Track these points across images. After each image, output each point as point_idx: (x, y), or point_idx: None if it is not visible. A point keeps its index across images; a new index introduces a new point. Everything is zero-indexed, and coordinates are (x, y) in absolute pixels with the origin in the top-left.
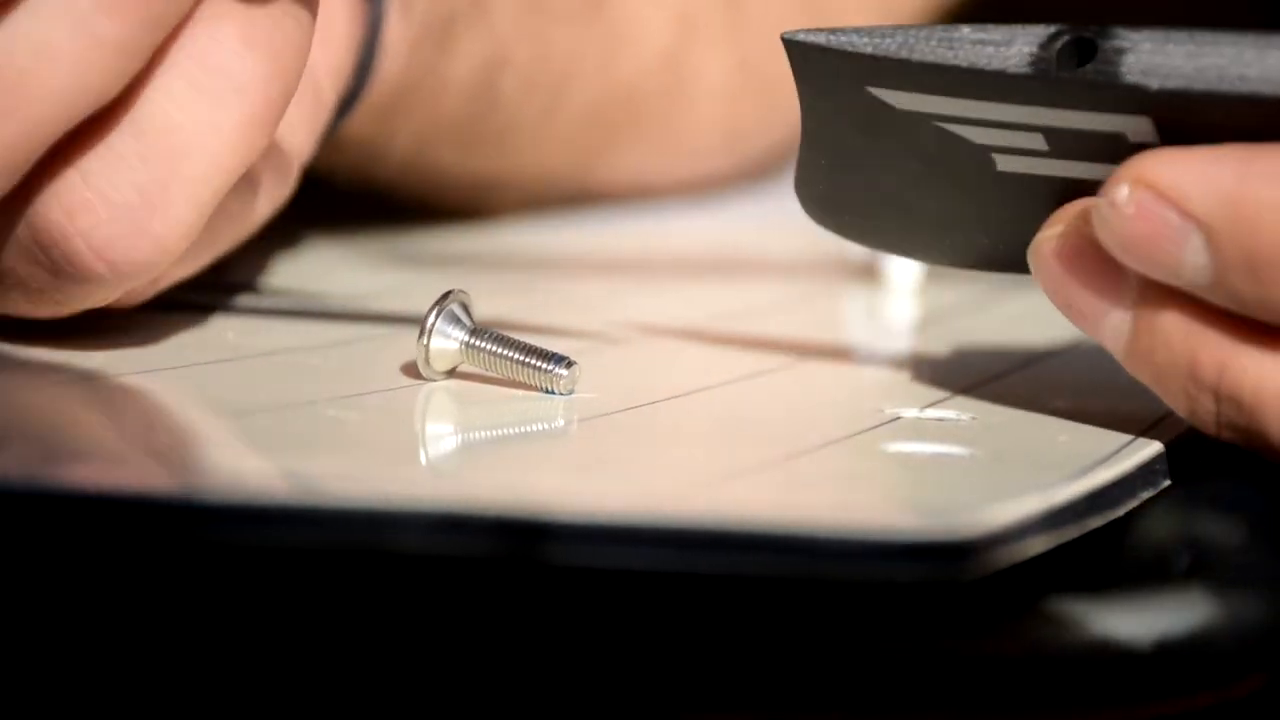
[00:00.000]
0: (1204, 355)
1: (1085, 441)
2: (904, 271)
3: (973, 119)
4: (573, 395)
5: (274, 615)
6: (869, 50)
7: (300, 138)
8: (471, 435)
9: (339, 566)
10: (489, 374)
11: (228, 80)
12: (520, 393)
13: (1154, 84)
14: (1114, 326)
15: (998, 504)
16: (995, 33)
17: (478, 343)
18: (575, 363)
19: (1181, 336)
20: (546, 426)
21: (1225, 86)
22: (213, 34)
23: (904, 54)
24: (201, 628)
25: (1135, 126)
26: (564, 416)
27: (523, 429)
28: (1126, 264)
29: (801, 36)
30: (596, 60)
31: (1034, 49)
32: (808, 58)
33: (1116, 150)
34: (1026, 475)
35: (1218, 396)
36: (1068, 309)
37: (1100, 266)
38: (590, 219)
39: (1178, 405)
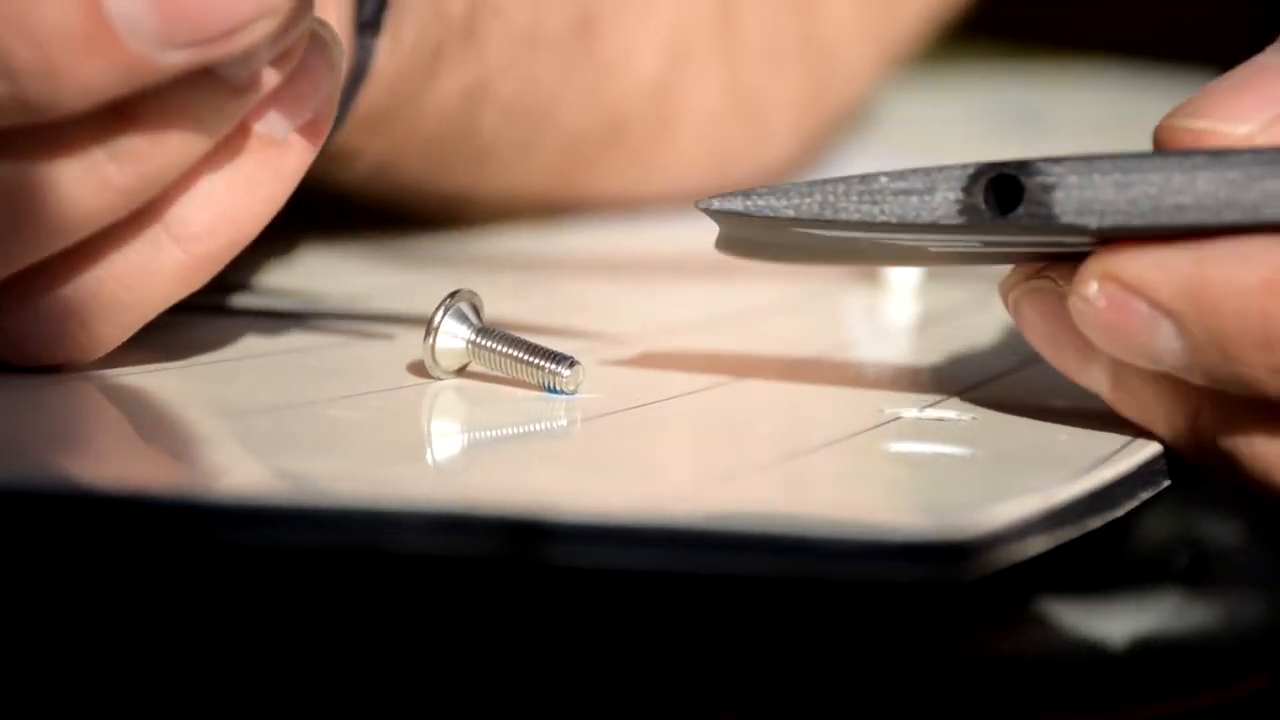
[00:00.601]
0: (1176, 405)
1: (1085, 441)
2: (904, 272)
3: (904, 242)
4: (576, 395)
5: (276, 616)
6: (790, 214)
7: None
8: (474, 435)
9: (341, 567)
10: (493, 373)
11: (177, 229)
12: (523, 392)
13: (1091, 223)
14: (1095, 378)
15: (997, 504)
16: (915, 180)
17: (483, 341)
18: (579, 362)
19: (1153, 388)
20: (550, 426)
21: (1163, 219)
22: (177, 184)
23: (828, 214)
24: (202, 628)
25: (1073, 241)
26: (567, 416)
27: (526, 428)
28: (1107, 350)
29: (717, 204)
30: (583, 91)
31: (958, 194)
32: (725, 221)
33: (1054, 250)
34: (1026, 475)
35: (1200, 440)
36: (1050, 360)
37: (1072, 328)
38: (591, 221)
39: (1164, 437)
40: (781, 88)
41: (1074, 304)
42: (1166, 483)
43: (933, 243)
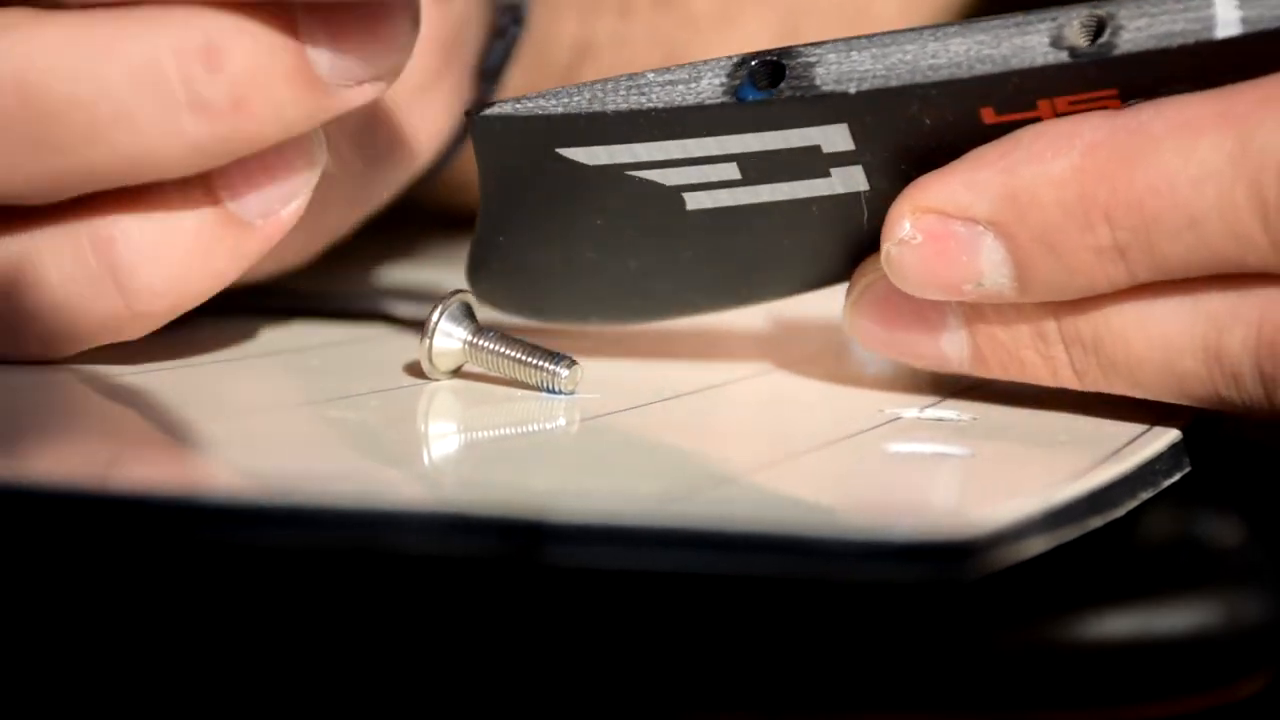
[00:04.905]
0: (1039, 322)
1: (1085, 441)
2: None
3: (666, 160)
4: (574, 395)
5: (275, 617)
6: (559, 110)
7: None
8: (473, 435)
9: (339, 568)
10: (491, 373)
11: (124, 278)
12: (522, 392)
13: (852, 88)
14: (952, 344)
15: (998, 504)
16: (681, 72)
17: (480, 342)
18: (577, 362)
19: (1016, 315)
20: (548, 426)
21: (919, 78)
22: (135, 234)
23: (596, 107)
24: (201, 629)
25: (831, 136)
26: (565, 416)
27: (524, 429)
28: (930, 296)
29: (487, 110)
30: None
31: (723, 79)
32: (494, 130)
33: (812, 164)
34: (1026, 475)
35: (1066, 344)
36: (904, 356)
37: (915, 304)
38: None
39: (1039, 376)
40: None
41: (889, 254)
42: (1167, 482)
43: (694, 172)
